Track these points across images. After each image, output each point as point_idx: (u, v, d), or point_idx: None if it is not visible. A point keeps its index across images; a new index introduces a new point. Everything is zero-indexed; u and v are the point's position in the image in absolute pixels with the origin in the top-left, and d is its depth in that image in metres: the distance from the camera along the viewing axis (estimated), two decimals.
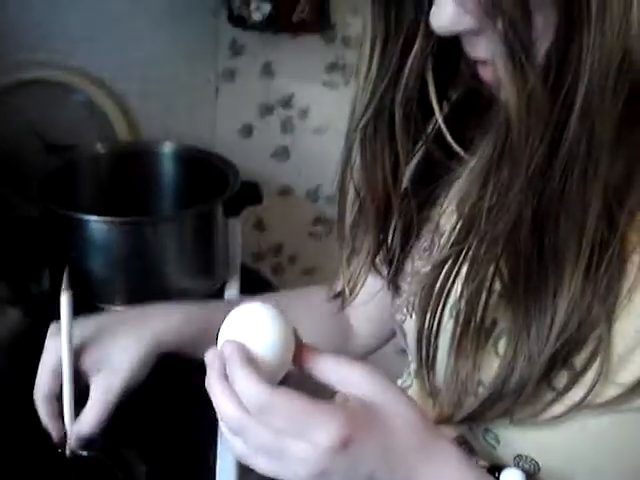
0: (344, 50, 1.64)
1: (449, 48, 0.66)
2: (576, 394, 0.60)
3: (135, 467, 0.93)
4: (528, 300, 0.60)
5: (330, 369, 0.61)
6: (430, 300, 0.66)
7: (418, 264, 0.76)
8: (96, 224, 1.25)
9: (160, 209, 1.50)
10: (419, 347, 0.68)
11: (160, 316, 0.91)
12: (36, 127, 1.62)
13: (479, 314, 0.63)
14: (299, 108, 1.71)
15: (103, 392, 0.86)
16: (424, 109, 0.71)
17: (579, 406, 0.60)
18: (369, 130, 0.70)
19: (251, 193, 1.37)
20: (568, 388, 0.61)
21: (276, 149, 1.74)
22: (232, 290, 1.37)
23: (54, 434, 0.87)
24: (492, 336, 0.65)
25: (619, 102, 0.53)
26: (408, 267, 0.78)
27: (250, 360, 0.60)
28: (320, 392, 0.61)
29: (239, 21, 1.52)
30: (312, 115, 1.72)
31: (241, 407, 0.58)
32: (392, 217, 0.76)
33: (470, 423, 0.68)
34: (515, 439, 0.66)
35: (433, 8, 0.59)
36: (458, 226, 0.64)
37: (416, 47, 0.68)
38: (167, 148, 1.50)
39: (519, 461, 0.66)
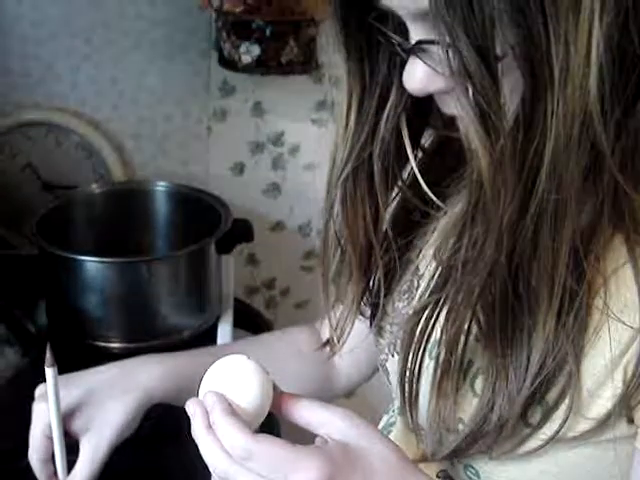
0: (332, 89, 1.68)
1: (421, 99, 0.67)
2: (549, 429, 0.63)
3: None
4: (504, 342, 0.62)
5: (310, 414, 0.63)
6: (411, 344, 0.68)
7: (398, 305, 0.79)
8: (91, 264, 1.27)
9: (154, 247, 1.53)
10: (402, 388, 0.70)
11: (145, 372, 0.92)
12: (33, 167, 1.66)
13: (458, 356, 0.65)
14: (289, 145, 1.75)
15: (91, 451, 0.87)
16: (400, 159, 0.73)
17: (553, 440, 0.63)
18: (349, 183, 0.72)
19: (243, 230, 1.40)
20: (542, 423, 0.63)
21: (267, 186, 1.78)
22: (226, 324, 1.40)
23: None
24: (469, 375, 0.68)
25: (583, 157, 0.56)
26: (389, 308, 0.80)
27: (231, 409, 0.62)
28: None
29: (229, 64, 1.55)
30: (302, 152, 1.75)
31: (226, 455, 0.60)
32: (374, 264, 0.77)
33: (452, 459, 0.70)
34: (494, 473, 0.68)
35: (405, 70, 0.61)
36: (436, 275, 0.67)
37: (390, 101, 0.70)
38: (160, 187, 1.52)
39: None
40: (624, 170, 0.58)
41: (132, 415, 0.87)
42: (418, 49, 0.59)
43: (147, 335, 1.32)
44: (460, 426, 0.67)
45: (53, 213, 1.41)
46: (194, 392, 0.69)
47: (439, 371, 0.66)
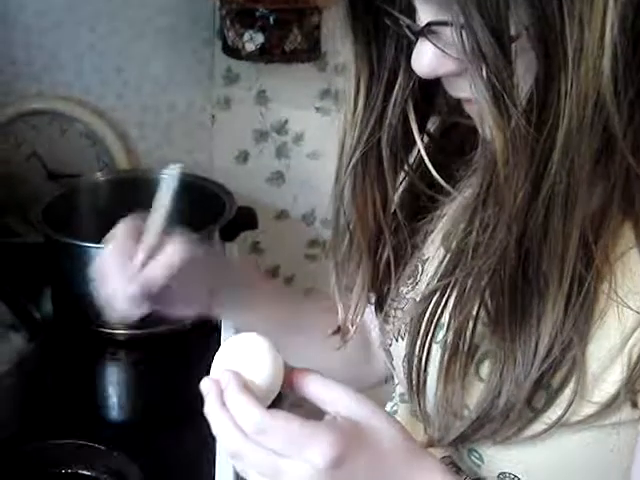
0: (335, 77, 1.68)
1: (429, 83, 0.67)
2: (554, 413, 0.63)
3: None
4: (513, 328, 0.62)
5: (320, 390, 0.63)
6: (419, 330, 0.68)
7: (402, 290, 0.79)
8: (96, 251, 1.27)
9: None
10: (409, 374, 0.70)
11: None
12: (38, 156, 1.66)
13: (466, 342, 0.65)
14: (293, 134, 1.75)
15: (177, 244, 0.83)
16: (408, 144, 0.73)
17: (557, 424, 0.63)
18: (358, 169, 0.72)
19: (247, 218, 1.41)
20: (546, 407, 0.63)
21: (271, 174, 1.78)
22: None
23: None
24: (475, 360, 0.68)
25: (596, 139, 0.56)
26: (393, 293, 0.80)
27: (245, 386, 0.62)
28: (314, 414, 0.64)
29: (233, 52, 1.55)
30: (306, 140, 1.75)
31: (238, 431, 0.60)
32: (384, 249, 0.77)
33: (458, 444, 0.70)
34: (498, 458, 0.68)
35: (414, 52, 0.61)
36: (445, 260, 0.67)
37: (398, 85, 0.70)
38: (165, 175, 1.52)
39: (503, 479, 0.69)
40: (636, 153, 0.58)
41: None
42: (428, 31, 0.58)
43: (151, 322, 1.31)
44: (466, 411, 0.67)
45: (58, 201, 1.41)
46: None
47: (447, 356, 0.66)
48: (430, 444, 0.70)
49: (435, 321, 0.67)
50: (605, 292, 0.61)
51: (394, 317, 0.80)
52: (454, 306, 0.65)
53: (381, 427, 0.62)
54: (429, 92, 0.71)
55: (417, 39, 0.60)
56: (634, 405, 0.61)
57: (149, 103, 1.68)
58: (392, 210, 0.76)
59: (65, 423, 1.11)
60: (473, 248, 0.61)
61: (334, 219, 0.76)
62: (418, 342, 0.68)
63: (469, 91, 0.57)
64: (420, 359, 0.69)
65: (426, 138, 0.75)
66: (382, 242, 0.77)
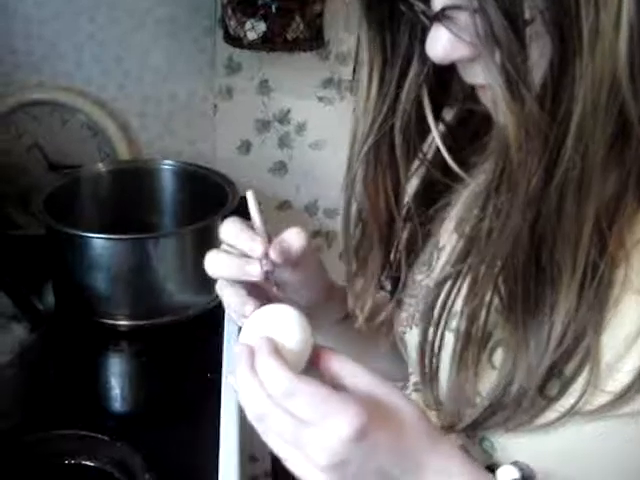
0: (338, 66, 1.67)
1: (443, 70, 0.67)
2: (567, 401, 0.62)
3: (141, 476, 0.95)
4: (526, 315, 0.62)
5: (342, 368, 0.64)
6: (432, 317, 0.68)
7: (418, 277, 0.79)
8: (98, 241, 1.27)
9: (161, 226, 1.53)
10: (422, 361, 0.70)
11: None
12: (39, 147, 1.66)
13: (479, 330, 0.65)
14: (296, 123, 1.74)
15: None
16: (421, 131, 0.73)
17: (570, 413, 0.62)
18: (371, 157, 0.72)
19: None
20: (559, 396, 0.63)
21: (274, 164, 1.77)
22: None
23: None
24: (487, 348, 0.67)
25: (610, 124, 0.55)
26: (408, 281, 0.80)
27: (277, 350, 0.62)
28: None
29: (235, 40, 1.54)
30: (309, 130, 1.75)
31: (265, 394, 0.60)
32: (395, 237, 0.78)
33: (471, 432, 0.70)
34: (510, 446, 0.68)
35: (429, 37, 0.60)
36: (459, 246, 0.66)
37: (411, 73, 0.70)
38: (167, 166, 1.52)
39: (514, 466, 0.67)
40: None
41: None
42: (442, 16, 0.58)
43: (154, 313, 1.32)
44: (478, 399, 0.67)
45: (60, 192, 1.41)
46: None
47: (460, 343, 0.66)
48: (443, 431, 0.70)
49: (448, 308, 0.66)
50: (620, 280, 0.61)
51: (409, 305, 0.79)
52: (467, 293, 0.64)
53: (401, 406, 0.62)
54: (443, 79, 0.71)
55: (431, 24, 0.60)
56: None
57: (150, 93, 1.68)
58: (404, 198, 0.76)
59: (68, 414, 1.10)
60: (486, 234, 0.60)
61: (345, 207, 0.76)
62: (431, 329, 0.68)
63: (483, 77, 0.56)
64: (433, 346, 0.68)
65: (441, 126, 0.75)
66: (394, 230, 0.77)
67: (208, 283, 1.41)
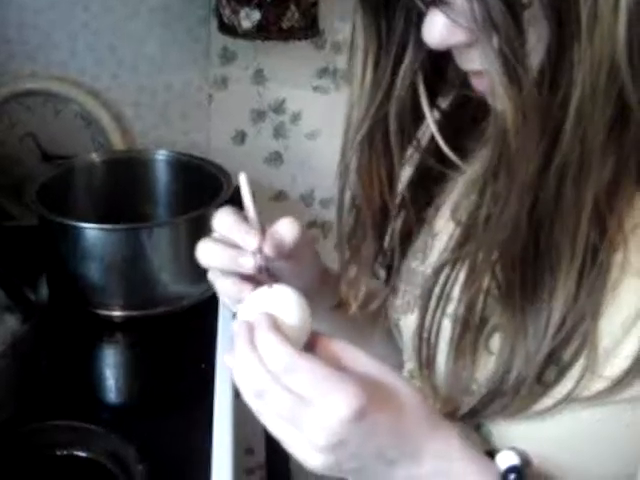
0: (334, 55, 1.66)
1: (439, 57, 0.67)
2: (564, 387, 0.62)
3: (134, 467, 0.94)
4: (524, 302, 0.62)
5: (339, 350, 0.63)
6: (429, 304, 0.68)
7: (412, 264, 0.78)
8: (91, 231, 1.26)
9: (155, 216, 1.52)
10: (419, 349, 0.70)
11: None
12: (33, 137, 1.64)
13: (477, 316, 0.65)
14: (291, 113, 1.73)
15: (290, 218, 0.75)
16: (416, 118, 0.73)
17: (567, 399, 0.62)
18: (365, 143, 0.72)
19: None
20: (557, 382, 0.63)
21: (269, 154, 1.76)
22: None
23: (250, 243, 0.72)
24: (484, 334, 0.67)
25: (609, 108, 0.55)
26: (403, 268, 0.80)
27: (277, 326, 0.62)
28: None
29: (229, 30, 1.53)
30: (304, 120, 1.73)
31: (264, 369, 0.60)
32: (389, 224, 0.77)
33: (469, 420, 0.70)
34: (507, 432, 0.68)
35: (425, 22, 0.60)
36: (456, 233, 0.66)
37: (407, 58, 0.69)
38: (161, 156, 1.51)
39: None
40: None
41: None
42: (439, 1, 0.57)
43: (148, 303, 1.31)
44: (475, 386, 0.67)
45: (53, 182, 1.40)
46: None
47: (457, 330, 0.66)
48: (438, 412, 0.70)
49: (445, 294, 0.66)
50: (618, 264, 0.60)
51: (404, 291, 0.79)
52: (465, 279, 0.64)
53: (401, 389, 0.62)
54: (439, 66, 0.71)
55: (428, 9, 0.59)
56: None
57: (145, 83, 1.67)
58: (398, 186, 0.75)
59: (61, 405, 1.10)
60: (484, 221, 0.60)
61: (339, 194, 0.75)
62: (428, 315, 0.68)
63: (479, 62, 0.56)
64: (430, 333, 0.68)
65: (436, 113, 0.74)
66: (387, 218, 0.77)
67: (202, 273, 1.41)
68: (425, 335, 0.69)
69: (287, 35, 1.54)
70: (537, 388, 0.63)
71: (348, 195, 0.75)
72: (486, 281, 0.63)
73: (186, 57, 1.65)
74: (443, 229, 0.75)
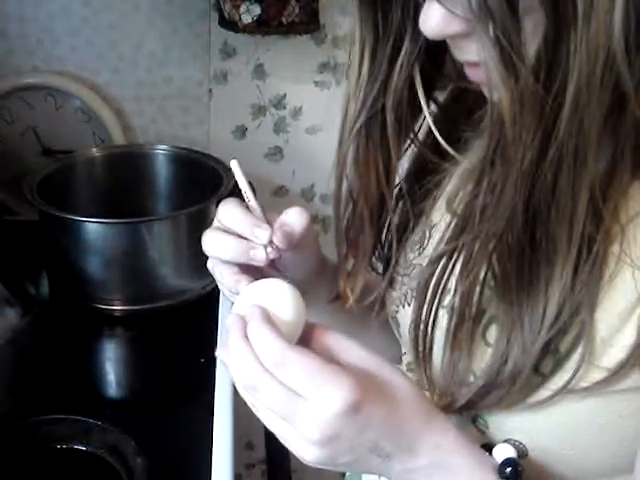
0: (334, 50, 1.66)
1: (436, 49, 0.67)
2: (561, 378, 0.62)
3: (134, 461, 0.94)
4: (520, 292, 0.62)
5: (335, 342, 0.63)
6: (426, 295, 0.67)
7: (410, 256, 0.78)
8: (92, 225, 1.26)
9: (155, 211, 1.52)
10: (415, 340, 0.70)
11: None
12: (33, 132, 1.64)
13: (473, 307, 0.65)
14: (291, 108, 1.73)
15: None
16: (413, 110, 0.73)
17: (564, 390, 0.62)
18: (362, 135, 0.72)
19: None
20: (553, 372, 0.62)
21: (270, 149, 1.76)
22: None
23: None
24: (481, 325, 0.67)
25: (606, 97, 0.54)
26: (401, 259, 0.79)
27: (270, 320, 0.62)
28: None
29: (230, 24, 1.53)
30: (304, 115, 1.73)
31: (257, 363, 0.60)
32: (386, 216, 0.77)
33: (465, 411, 0.70)
34: (503, 424, 0.68)
35: (422, 13, 0.60)
36: (452, 224, 0.66)
37: (404, 50, 0.69)
38: (162, 150, 1.51)
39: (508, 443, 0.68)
40: None
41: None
42: None
43: (148, 297, 1.31)
44: (472, 378, 0.67)
45: (53, 176, 1.40)
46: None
47: (454, 321, 0.65)
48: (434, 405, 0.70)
49: (442, 285, 0.66)
50: (615, 254, 0.60)
51: (401, 284, 0.79)
52: (461, 270, 0.64)
53: (397, 381, 0.62)
54: (435, 59, 0.70)
55: (424, 0, 0.59)
56: None
57: (145, 78, 1.66)
58: (395, 178, 0.75)
59: (61, 399, 1.10)
60: (480, 211, 0.60)
61: (336, 185, 0.75)
62: (425, 306, 0.67)
63: (476, 53, 0.56)
64: (427, 324, 0.68)
65: (433, 105, 0.74)
66: (384, 210, 0.76)
67: (203, 268, 1.41)
68: (422, 325, 0.68)
69: (288, 30, 1.54)
70: (534, 379, 0.63)
71: (345, 187, 0.75)
72: (482, 272, 0.63)
73: (186, 52, 1.65)
74: (440, 221, 0.75)
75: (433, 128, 0.71)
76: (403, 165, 0.77)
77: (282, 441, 0.61)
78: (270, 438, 0.62)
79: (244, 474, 1.95)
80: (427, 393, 0.72)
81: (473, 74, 0.62)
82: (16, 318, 1.09)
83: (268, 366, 0.59)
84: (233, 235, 0.71)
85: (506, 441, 0.68)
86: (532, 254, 0.60)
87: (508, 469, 0.63)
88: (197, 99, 1.70)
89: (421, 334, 0.69)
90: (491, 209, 0.59)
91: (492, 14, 0.52)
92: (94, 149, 1.54)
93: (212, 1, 1.59)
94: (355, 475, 0.89)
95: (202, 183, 1.41)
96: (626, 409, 0.62)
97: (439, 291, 0.66)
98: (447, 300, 0.67)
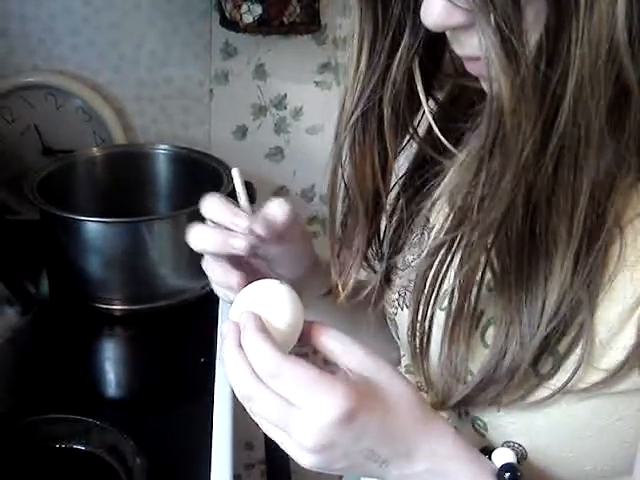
0: (335, 51, 1.66)
1: (435, 42, 0.67)
2: (560, 379, 0.62)
3: (133, 461, 0.94)
4: (519, 287, 0.61)
5: (335, 343, 0.63)
6: (423, 288, 0.67)
7: (409, 258, 0.78)
8: (92, 225, 1.26)
9: (156, 210, 1.52)
10: (412, 336, 0.70)
11: None
12: (34, 131, 1.64)
13: (471, 304, 0.64)
14: (292, 108, 1.72)
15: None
16: (411, 105, 0.72)
17: (562, 390, 0.62)
18: (358, 128, 0.71)
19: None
20: (552, 373, 0.62)
21: (270, 149, 1.76)
22: None
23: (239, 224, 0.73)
24: (480, 326, 0.67)
25: (608, 89, 0.54)
26: (399, 261, 0.79)
27: (264, 328, 0.62)
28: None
29: (231, 24, 1.53)
30: (305, 115, 1.73)
31: (252, 373, 0.60)
32: (382, 213, 0.77)
33: (463, 408, 0.70)
34: (503, 426, 0.68)
35: (423, 4, 0.59)
36: (450, 216, 0.65)
37: (403, 43, 0.69)
38: (162, 150, 1.52)
39: (507, 447, 0.68)
40: None
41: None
42: None
43: (148, 297, 1.31)
44: (469, 377, 0.67)
45: (54, 176, 1.41)
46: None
47: (452, 317, 0.65)
48: (433, 408, 0.69)
49: (440, 279, 0.65)
50: (615, 256, 0.60)
51: (400, 286, 0.79)
52: (459, 264, 0.63)
53: (394, 385, 0.62)
54: (435, 53, 0.70)
55: None
56: None
57: (146, 77, 1.66)
58: (392, 174, 0.75)
59: (61, 398, 1.10)
60: (479, 202, 0.59)
61: (331, 178, 0.75)
62: (422, 301, 0.67)
63: (477, 47, 0.55)
64: (424, 318, 0.68)
65: (432, 102, 0.74)
66: (380, 205, 0.76)
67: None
68: (419, 321, 0.68)
69: (289, 30, 1.54)
70: (533, 379, 0.63)
71: (340, 177, 0.74)
72: (481, 265, 0.62)
73: (187, 52, 1.65)
74: (438, 219, 0.74)
75: (431, 121, 0.71)
76: (400, 164, 0.76)
77: (281, 446, 0.61)
78: (269, 438, 0.62)
79: (243, 474, 1.95)
80: (425, 395, 0.72)
81: (472, 67, 0.62)
82: (16, 317, 1.09)
83: (262, 376, 0.60)
84: (217, 227, 0.71)
85: (505, 443, 0.68)
86: (531, 247, 0.60)
87: (507, 474, 0.63)
88: (198, 99, 1.69)
89: (418, 329, 0.68)
90: (488, 201, 0.58)
91: (493, 2, 0.52)
92: (95, 149, 1.54)
93: (213, 1, 1.59)
94: (353, 477, 0.89)
95: (203, 183, 1.41)
96: (625, 411, 0.62)
97: (437, 284, 0.66)
98: (445, 302, 0.67)
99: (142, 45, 1.63)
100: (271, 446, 0.63)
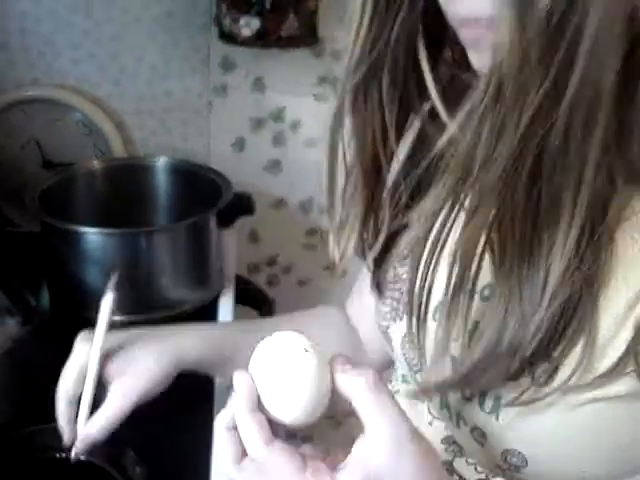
0: (333, 63, 1.67)
1: (437, 19, 0.64)
2: (556, 383, 0.61)
3: (133, 471, 0.94)
4: (521, 257, 0.59)
5: (363, 398, 0.61)
6: (423, 252, 0.64)
7: (399, 270, 0.77)
8: (92, 236, 1.27)
9: (155, 222, 1.52)
10: (410, 305, 0.67)
11: (179, 337, 0.95)
12: (34, 145, 1.65)
13: (471, 275, 0.61)
14: (290, 121, 1.74)
15: (120, 397, 0.88)
16: (412, 80, 0.70)
17: (559, 390, 0.61)
18: (359, 95, 0.69)
19: (244, 203, 1.40)
20: (549, 378, 0.62)
21: (268, 162, 1.77)
22: (227, 300, 1.39)
23: (66, 437, 0.91)
24: (481, 299, 0.66)
25: (621, 51, 0.52)
26: (389, 274, 0.78)
27: (255, 409, 0.62)
28: None
29: (229, 38, 1.54)
30: (303, 128, 1.74)
31: (231, 455, 0.62)
32: (380, 186, 0.74)
33: (464, 388, 0.68)
34: (501, 434, 0.67)
35: None
36: (451, 178, 0.60)
37: (404, 11, 0.66)
38: (162, 163, 1.52)
39: (507, 456, 0.68)
40: None
41: (166, 371, 0.90)
42: None
43: (147, 308, 1.31)
44: (468, 361, 0.64)
45: (54, 188, 1.41)
46: (224, 364, 0.78)
47: (451, 289, 0.62)
48: (428, 389, 0.69)
49: (440, 245, 0.62)
50: (614, 255, 0.60)
51: (392, 298, 0.79)
52: (461, 231, 0.60)
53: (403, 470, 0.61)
54: (436, 30, 0.68)
55: None
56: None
57: (146, 91, 1.68)
58: (393, 145, 0.73)
59: None
60: (482, 160, 0.55)
61: (330, 141, 0.72)
62: (422, 265, 0.64)
63: (479, 6, 0.54)
64: (424, 283, 0.65)
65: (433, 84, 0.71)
66: (379, 178, 0.74)
67: (203, 279, 1.41)
68: (418, 286, 0.66)
69: (287, 43, 1.55)
70: (529, 380, 0.62)
71: (340, 147, 0.72)
72: (483, 235, 0.59)
73: (187, 65, 1.66)
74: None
75: (438, 103, 0.68)
76: (401, 157, 0.74)
77: None
78: None
79: None
80: (422, 405, 0.72)
81: (468, 33, 0.60)
82: (16, 328, 1.10)
83: (250, 456, 0.62)
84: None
85: (505, 451, 0.68)
86: (535, 219, 0.58)
87: None
88: (197, 112, 1.71)
89: (417, 295, 0.66)
90: (491, 158, 0.55)
91: None
92: (95, 161, 1.54)
93: (212, 15, 1.61)
94: None
95: (201, 195, 1.42)
96: (622, 415, 0.62)
97: (438, 247, 0.62)
98: (445, 260, 0.63)
99: (142, 59, 1.65)
100: None
